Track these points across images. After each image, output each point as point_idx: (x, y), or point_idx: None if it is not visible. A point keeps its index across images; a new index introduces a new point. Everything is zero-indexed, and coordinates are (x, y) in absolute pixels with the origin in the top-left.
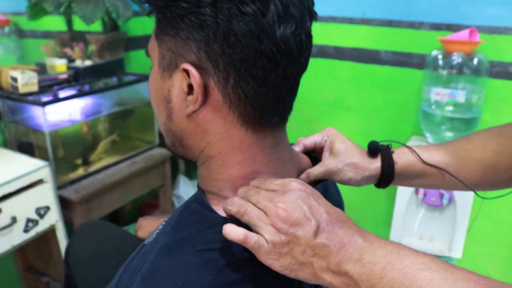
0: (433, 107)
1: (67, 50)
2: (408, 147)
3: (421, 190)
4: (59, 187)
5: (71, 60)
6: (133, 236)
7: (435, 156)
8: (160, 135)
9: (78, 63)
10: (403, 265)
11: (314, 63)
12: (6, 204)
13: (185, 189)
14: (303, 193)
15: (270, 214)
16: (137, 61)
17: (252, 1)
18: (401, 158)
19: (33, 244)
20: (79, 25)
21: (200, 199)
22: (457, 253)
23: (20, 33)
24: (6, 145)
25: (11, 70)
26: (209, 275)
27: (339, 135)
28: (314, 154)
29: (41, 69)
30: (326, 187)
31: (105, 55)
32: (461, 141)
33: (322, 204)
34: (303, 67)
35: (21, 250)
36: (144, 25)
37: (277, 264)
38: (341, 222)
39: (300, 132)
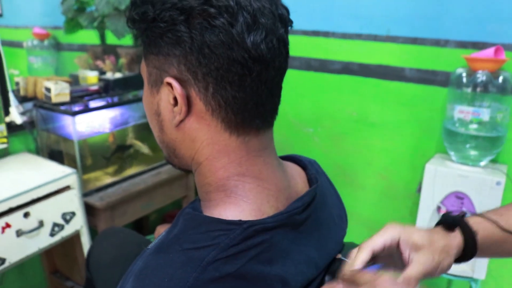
0: (457, 125)
1: (99, 63)
2: (481, 215)
3: (443, 208)
4: (85, 194)
5: (102, 72)
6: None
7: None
8: None
9: (109, 75)
10: None
11: (339, 80)
12: (35, 208)
13: None
14: None
15: None
16: None
17: (220, 14)
18: (479, 226)
19: (59, 249)
20: (111, 39)
21: (194, 205)
22: (480, 274)
23: (58, 46)
24: (38, 152)
25: (46, 81)
26: (193, 272)
27: (406, 228)
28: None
29: (74, 80)
30: (324, 195)
31: (134, 68)
32: None
33: None
34: (280, 71)
35: (48, 254)
36: None
37: None
38: None
39: (324, 147)
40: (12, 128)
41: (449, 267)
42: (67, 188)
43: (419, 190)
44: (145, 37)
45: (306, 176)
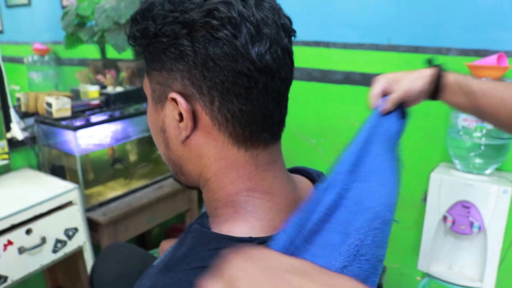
0: (461, 133)
1: (100, 77)
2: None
3: (449, 218)
4: (87, 209)
5: (103, 86)
6: (156, 259)
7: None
8: None
9: (110, 89)
10: None
11: (341, 90)
12: (37, 225)
13: None
14: None
15: None
16: None
17: (223, 26)
18: (452, 72)
19: (62, 265)
20: (111, 53)
21: (201, 221)
22: (489, 285)
23: (58, 61)
24: (40, 167)
25: (47, 96)
26: None
27: (393, 74)
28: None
29: (75, 95)
30: None
31: (135, 81)
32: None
33: None
34: (285, 81)
35: (50, 270)
36: None
37: None
38: None
39: (327, 158)
40: (13, 144)
41: (420, 88)
42: (69, 203)
43: (424, 199)
44: (147, 53)
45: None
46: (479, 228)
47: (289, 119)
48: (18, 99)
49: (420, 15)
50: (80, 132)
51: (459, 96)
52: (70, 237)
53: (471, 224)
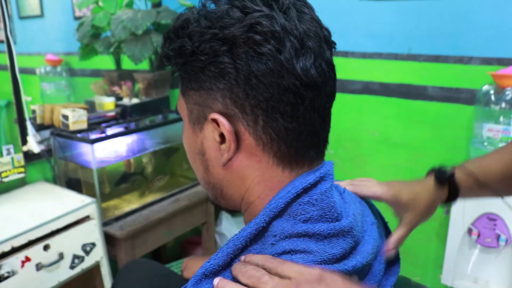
0: (486, 143)
1: (115, 89)
2: (465, 170)
3: (475, 231)
4: (104, 223)
5: (119, 98)
6: (178, 276)
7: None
8: None
9: (126, 101)
10: None
11: (359, 100)
12: (54, 240)
13: (228, 227)
14: (311, 281)
15: None
16: None
17: (267, 41)
18: (462, 181)
19: (78, 280)
20: (127, 64)
21: None
22: None
23: (71, 72)
24: (56, 181)
25: (63, 108)
26: None
27: (395, 187)
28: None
29: (90, 106)
30: None
31: (151, 93)
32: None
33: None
34: (331, 96)
35: (66, 286)
36: None
37: None
38: None
39: (345, 169)
40: (29, 157)
41: (430, 216)
42: (87, 218)
43: (446, 212)
44: (184, 73)
45: None
46: (506, 241)
47: None
48: (34, 111)
49: (441, 23)
50: (97, 145)
51: (478, 191)
52: (87, 253)
53: (498, 237)
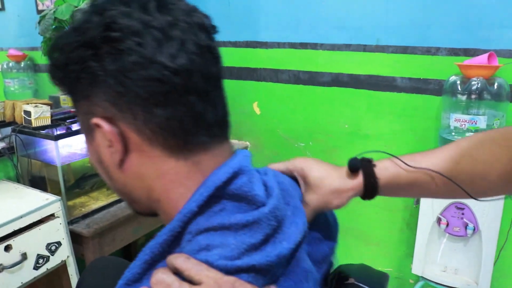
0: (453, 133)
1: None
2: (393, 156)
3: (443, 220)
4: (70, 221)
5: None
6: None
7: (423, 163)
8: None
9: None
10: None
11: (329, 92)
12: (17, 240)
13: None
14: None
15: None
16: None
17: (125, 37)
18: (384, 172)
19: (44, 280)
20: None
21: None
22: (485, 286)
23: (35, 68)
24: (19, 179)
25: (25, 104)
26: None
27: (309, 163)
28: None
29: (55, 102)
30: None
31: None
32: (449, 150)
33: None
34: (210, 79)
35: (32, 286)
36: None
37: None
38: None
39: None
40: None
41: (338, 206)
42: (51, 216)
43: (417, 202)
44: (65, 87)
45: None
46: (474, 230)
47: (276, 123)
48: None
49: (409, 15)
50: (61, 141)
51: (400, 192)
52: (52, 252)
53: (466, 226)
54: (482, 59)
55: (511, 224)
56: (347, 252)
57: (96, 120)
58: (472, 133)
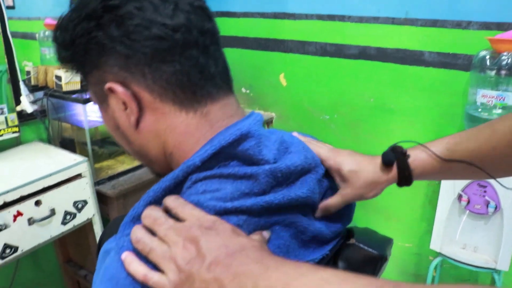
0: (480, 110)
1: None
2: (425, 147)
3: (465, 197)
4: (97, 182)
5: None
6: None
7: (458, 152)
8: None
9: None
10: (300, 283)
11: (355, 65)
12: (46, 196)
13: None
14: (203, 226)
15: (173, 251)
16: None
17: (125, 3)
18: (419, 163)
19: (72, 238)
20: None
21: None
22: (504, 266)
23: None
24: (50, 141)
25: (56, 69)
26: None
27: (343, 156)
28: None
29: None
30: None
31: None
32: (483, 134)
33: (221, 235)
34: (207, 33)
35: (61, 243)
36: None
37: None
38: (239, 252)
39: (340, 134)
40: (23, 117)
41: (374, 197)
42: (78, 176)
43: None
44: (77, 63)
45: None
46: (495, 208)
47: (302, 95)
48: (28, 73)
49: None
50: (89, 105)
51: (435, 177)
52: (79, 210)
53: (487, 204)
54: None
55: None
56: (366, 226)
57: (109, 85)
58: (499, 110)
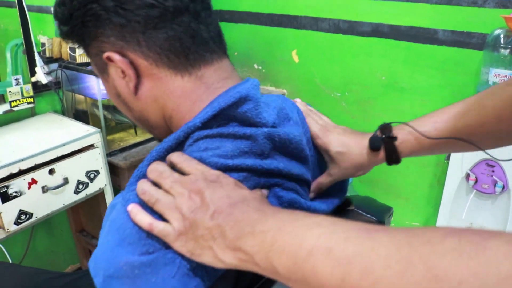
0: None
1: None
2: (412, 128)
3: (472, 176)
4: (109, 153)
5: None
6: None
7: (444, 132)
8: None
9: None
10: (293, 227)
11: (368, 42)
12: (60, 165)
13: None
14: (207, 180)
15: (178, 202)
16: None
17: None
18: (406, 145)
19: (85, 208)
20: None
21: None
22: None
23: None
24: (64, 112)
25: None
26: None
27: (330, 137)
28: None
29: None
30: None
31: None
32: (472, 110)
33: (225, 187)
34: (197, 1)
35: (74, 213)
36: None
37: (184, 249)
38: (241, 202)
39: (351, 112)
40: (38, 88)
41: (362, 174)
42: (91, 146)
43: (448, 157)
44: (76, 36)
45: None
46: (503, 188)
47: (313, 72)
48: (43, 44)
49: None
50: None
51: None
52: (91, 179)
53: (495, 184)
54: None
55: None
56: None
57: (107, 54)
58: None
